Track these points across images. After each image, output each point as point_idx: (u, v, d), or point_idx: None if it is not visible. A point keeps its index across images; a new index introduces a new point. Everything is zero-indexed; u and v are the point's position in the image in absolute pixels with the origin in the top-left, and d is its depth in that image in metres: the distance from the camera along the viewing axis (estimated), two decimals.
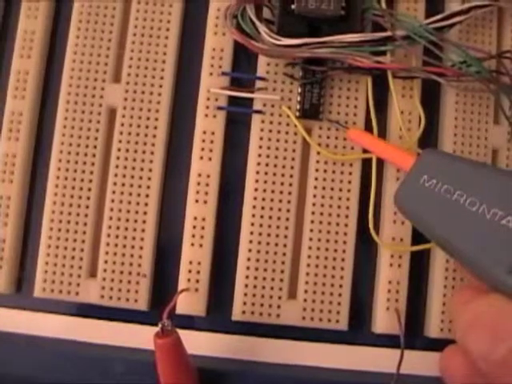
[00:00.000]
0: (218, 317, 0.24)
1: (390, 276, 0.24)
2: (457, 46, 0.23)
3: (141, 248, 0.23)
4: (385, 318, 0.23)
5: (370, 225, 0.23)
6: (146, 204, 0.24)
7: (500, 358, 0.15)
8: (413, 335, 0.24)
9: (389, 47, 0.23)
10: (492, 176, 0.17)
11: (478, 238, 0.17)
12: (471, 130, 0.24)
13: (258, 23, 0.23)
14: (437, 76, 0.23)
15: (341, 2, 0.23)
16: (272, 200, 0.24)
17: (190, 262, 0.23)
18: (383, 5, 0.24)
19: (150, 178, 0.24)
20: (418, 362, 0.23)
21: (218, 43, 0.24)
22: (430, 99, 0.25)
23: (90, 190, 0.24)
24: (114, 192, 0.24)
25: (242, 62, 0.25)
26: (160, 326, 0.21)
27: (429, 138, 0.25)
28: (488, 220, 0.16)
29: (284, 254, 0.23)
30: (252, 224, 0.23)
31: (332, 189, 0.24)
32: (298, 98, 0.24)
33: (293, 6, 0.23)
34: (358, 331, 0.24)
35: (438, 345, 0.21)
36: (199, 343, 0.24)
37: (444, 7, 0.25)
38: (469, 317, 0.17)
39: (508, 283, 0.16)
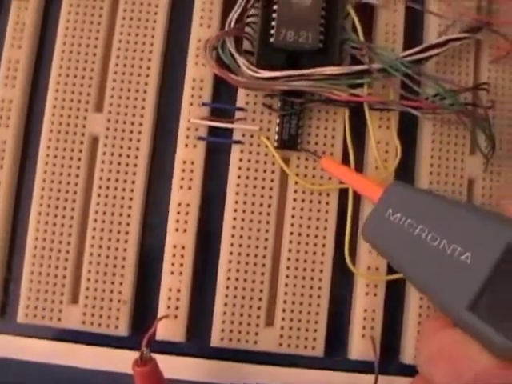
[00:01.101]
0: (197, 343, 0.24)
1: (366, 304, 0.24)
2: (431, 79, 0.23)
3: (121, 275, 0.24)
4: (360, 345, 0.24)
5: (346, 254, 0.24)
6: (127, 232, 0.24)
7: None
8: (388, 361, 0.24)
9: (365, 80, 0.24)
10: (453, 211, 0.18)
11: (437, 273, 0.17)
12: (447, 160, 0.25)
13: (237, 56, 0.24)
14: (412, 109, 0.23)
15: (319, 35, 0.23)
16: (250, 229, 0.24)
17: (170, 290, 0.24)
18: (361, 38, 0.24)
19: (130, 207, 0.24)
20: None
21: (198, 74, 0.25)
22: (408, 130, 0.25)
23: (72, 218, 0.24)
24: (95, 220, 0.24)
25: (223, 92, 0.25)
26: (139, 354, 0.22)
27: (406, 169, 0.25)
28: (448, 255, 0.17)
29: (262, 282, 0.24)
30: (230, 253, 0.24)
31: (309, 218, 0.24)
32: (277, 129, 0.24)
33: (271, 39, 0.24)
34: (335, 357, 0.25)
35: (412, 370, 0.21)
36: (179, 368, 0.24)
37: (422, 39, 0.26)
38: (433, 349, 0.17)
39: (467, 320, 0.16)
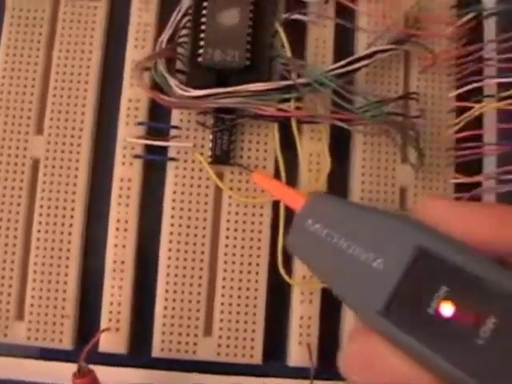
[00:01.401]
0: (139, 354, 0.25)
1: (302, 312, 0.25)
2: (355, 92, 0.24)
3: (64, 291, 0.25)
4: (298, 352, 0.25)
5: (280, 265, 0.24)
6: (69, 250, 0.25)
7: None
8: (326, 367, 0.25)
9: (292, 95, 0.24)
10: (368, 219, 0.18)
11: (352, 280, 0.18)
12: (379, 169, 0.26)
13: (168, 76, 0.25)
14: (339, 121, 0.24)
15: (246, 53, 0.24)
16: (187, 243, 0.25)
17: (111, 303, 0.25)
18: (288, 54, 0.25)
19: (71, 225, 0.25)
20: None
21: (134, 94, 0.25)
22: (340, 141, 0.26)
23: (15, 237, 0.25)
24: (38, 239, 0.25)
25: (158, 111, 0.26)
26: (77, 367, 0.22)
27: (339, 179, 0.26)
28: (362, 263, 0.17)
29: (199, 294, 0.25)
30: (168, 266, 0.25)
31: (244, 230, 0.25)
32: (210, 145, 0.25)
33: (199, 59, 0.24)
34: (273, 364, 0.25)
35: None
36: (122, 379, 0.25)
37: (353, 52, 0.26)
38: (351, 354, 0.18)
39: (378, 323, 0.16)
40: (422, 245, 0.16)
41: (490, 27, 0.27)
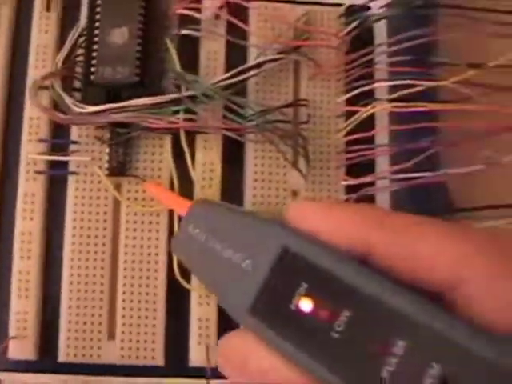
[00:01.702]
0: (47, 359, 0.26)
1: (200, 314, 0.26)
2: (241, 103, 0.25)
3: None
4: (197, 353, 0.26)
5: (176, 270, 0.26)
6: None
7: None
8: None
9: (181, 107, 0.26)
10: (241, 223, 0.19)
11: (225, 282, 0.19)
12: (270, 174, 0.27)
13: (63, 95, 0.26)
14: (227, 131, 0.25)
15: (135, 69, 0.26)
16: (88, 251, 0.26)
17: (18, 312, 0.26)
18: (177, 68, 0.26)
19: None
20: None
21: (35, 112, 0.27)
22: (233, 149, 0.27)
23: None
24: None
25: (59, 127, 0.27)
26: None
27: (233, 186, 0.27)
28: (234, 264, 0.18)
29: (101, 300, 0.26)
30: (71, 274, 0.26)
31: (142, 238, 0.26)
32: (107, 158, 0.26)
33: (92, 77, 0.26)
34: (175, 365, 0.26)
35: None
36: None
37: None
38: (224, 352, 0.19)
39: (247, 321, 0.17)
40: (285, 245, 0.17)
41: (380, 32, 0.28)
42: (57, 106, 0.26)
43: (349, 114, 0.27)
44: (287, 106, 0.26)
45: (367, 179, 0.26)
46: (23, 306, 0.26)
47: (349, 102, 0.27)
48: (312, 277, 0.16)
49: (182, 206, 0.23)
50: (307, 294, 0.16)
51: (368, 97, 0.27)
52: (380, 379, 0.15)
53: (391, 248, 0.17)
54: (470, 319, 0.15)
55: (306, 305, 0.16)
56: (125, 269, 0.26)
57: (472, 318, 0.16)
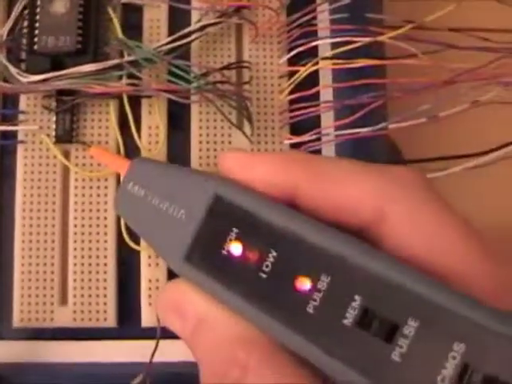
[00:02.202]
0: (2, 325, 0.27)
1: (150, 275, 0.26)
2: (182, 66, 0.26)
3: None
4: (148, 313, 0.26)
5: (125, 232, 0.26)
6: None
7: (189, 335, 0.18)
8: None
9: (123, 72, 0.26)
10: (176, 177, 0.19)
11: (161, 234, 0.19)
12: (215, 136, 0.27)
13: (8, 65, 0.26)
14: (168, 93, 0.26)
15: (76, 37, 0.26)
16: (39, 218, 0.27)
17: None
18: (119, 35, 0.27)
19: None
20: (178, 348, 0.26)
21: None
22: (179, 112, 0.27)
23: None
24: None
25: (8, 98, 0.28)
26: None
27: (179, 149, 0.27)
28: (169, 216, 0.19)
29: (53, 265, 0.26)
30: (23, 241, 0.27)
31: (91, 203, 0.27)
32: (54, 126, 0.27)
33: (35, 47, 0.26)
34: (127, 327, 0.27)
35: None
36: None
37: None
38: (162, 303, 0.19)
39: (182, 269, 0.18)
40: (216, 194, 0.17)
41: None
42: (4, 78, 0.27)
43: (292, 75, 0.27)
44: (229, 66, 0.27)
45: (311, 137, 0.27)
46: None
47: (291, 62, 0.28)
48: (241, 222, 0.17)
49: (123, 166, 0.24)
50: (237, 239, 0.17)
51: (310, 56, 0.27)
52: (306, 314, 0.15)
53: (315, 190, 0.17)
54: (391, 253, 0.16)
55: (235, 249, 0.17)
56: (75, 233, 0.27)
57: (393, 252, 0.16)
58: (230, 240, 0.17)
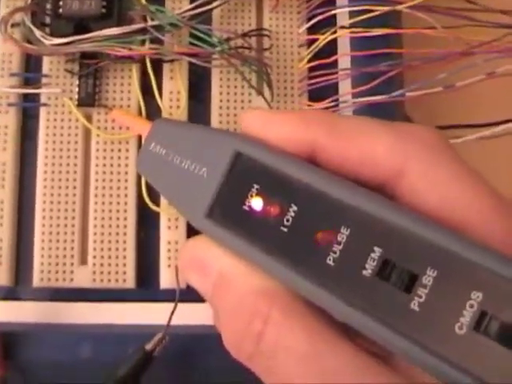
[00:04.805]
0: (22, 286, 0.27)
1: (169, 237, 0.27)
2: (206, 31, 0.26)
3: None
4: (167, 275, 0.27)
5: (145, 194, 0.26)
6: None
7: (210, 290, 0.18)
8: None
9: (146, 37, 0.26)
10: (198, 136, 0.20)
11: (183, 190, 0.19)
12: (236, 102, 0.27)
13: (33, 28, 0.27)
14: (190, 57, 0.26)
15: (101, 2, 0.27)
16: (60, 179, 0.27)
17: None
18: (143, 1, 0.27)
19: None
20: (195, 312, 0.26)
21: (7, 48, 0.28)
22: (200, 77, 0.28)
23: None
24: None
25: (31, 62, 0.28)
26: None
27: (200, 113, 0.28)
28: (190, 174, 0.19)
29: (73, 226, 0.27)
30: (44, 201, 0.27)
31: (112, 165, 0.27)
32: (77, 89, 0.27)
33: (60, 10, 0.27)
34: (146, 288, 0.27)
35: None
36: (9, 311, 0.27)
37: None
38: (183, 258, 0.20)
39: (204, 226, 0.18)
40: (237, 150, 0.17)
41: None
42: (29, 42, 0.27)
43: (310, 43, 0.28)
44: (249, 34, 0.27)
45: (329, 104, 0.27)
46: None
47: (310, 31, 0.28)
48: (262, 177, 0.17)
49: (145, 128, 0.24)
50: (258, 194, 0.17)
51: (328, 25, 0.28)
52: (326, 266, 0.16)
53: (335, 146, 0.17)
54: (408, 207, 0.16)
55: (257, 204, 0.17)
56: (96, 195, 0.27)
57: (413, 207, 0.16)
58: (251, 195, 0.17)
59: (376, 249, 0.15)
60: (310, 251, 0.16)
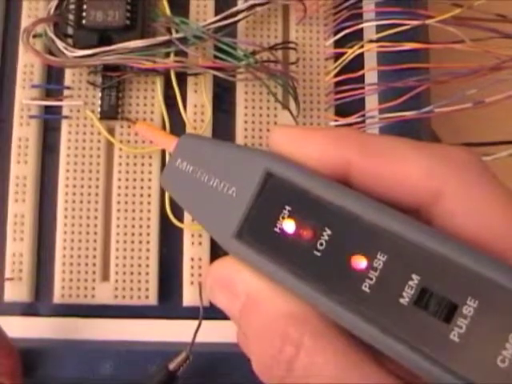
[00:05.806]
0: (42, 301, 0.27)
1: (192, 253, 0.26)
2: (231, 44, 0.26)
3: None
4: (190, 292, 0.26)
5: (168, 209, 0.26)
6: None
7: (238, 312, 0.18)
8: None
9: (171, 49, 0.26)
10: (226, 153, 0.19)
11: (210, 209, 0.19)
12: (261, 116, 0.27)
13: (56, 40, 0.26)
14: (215, 71, 0.26)
15: (125, 13, 0.26)
16: (82, 194, 0.26)
17: (14, 255, 0.26)
18: (167, 12, 0.27)
19: None
20: (219, 329, 0.26)
21: (28, 60, 0.27)
22: (225, 91, 0.27)
23: None
24: None
25: (52, 74, 0.28)
26: None
27: (224, 127, 0.27)
28: (220, 193, 0.19)
29: (95, 241, 0.26)
30: (65, 216, 0.26)
31: (135, 180, 0.27)
32: (99, 102, 0.27)
33: (84, 21, 0.26)
34: (168, 305, 0.27)
35: None
36: (28, 327, 0.26)
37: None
38: (211, 279, 0.19)
39: (233, 246, 0.18)
40: (268, 170, 0.17)
41: None
42: (51, 53, 0.27)
43: (338, 57, 0.28)
44: (275, 47, 0.27)
45: (356, 119, 0.27)
46: (18, 249, 0.26)
47: (337, 44, 0.28)
48: (294, 199, 0.17)
49: (171, 144, 0.24)
50: (290, 216, 0.16)
51: (355, 38, 0.27)
52: (362, 293, 0.15)
53: (369, 167, 0.17)
54: (445, 232, 0.16)
55: (289, 226, 0.16)
56: (118, 210, 0.26)
57: (450, 232, 0.16)
58: (283, 217, 0.17)
59: (414, 276, 0.14)
60: (344, 277, 0.15)
